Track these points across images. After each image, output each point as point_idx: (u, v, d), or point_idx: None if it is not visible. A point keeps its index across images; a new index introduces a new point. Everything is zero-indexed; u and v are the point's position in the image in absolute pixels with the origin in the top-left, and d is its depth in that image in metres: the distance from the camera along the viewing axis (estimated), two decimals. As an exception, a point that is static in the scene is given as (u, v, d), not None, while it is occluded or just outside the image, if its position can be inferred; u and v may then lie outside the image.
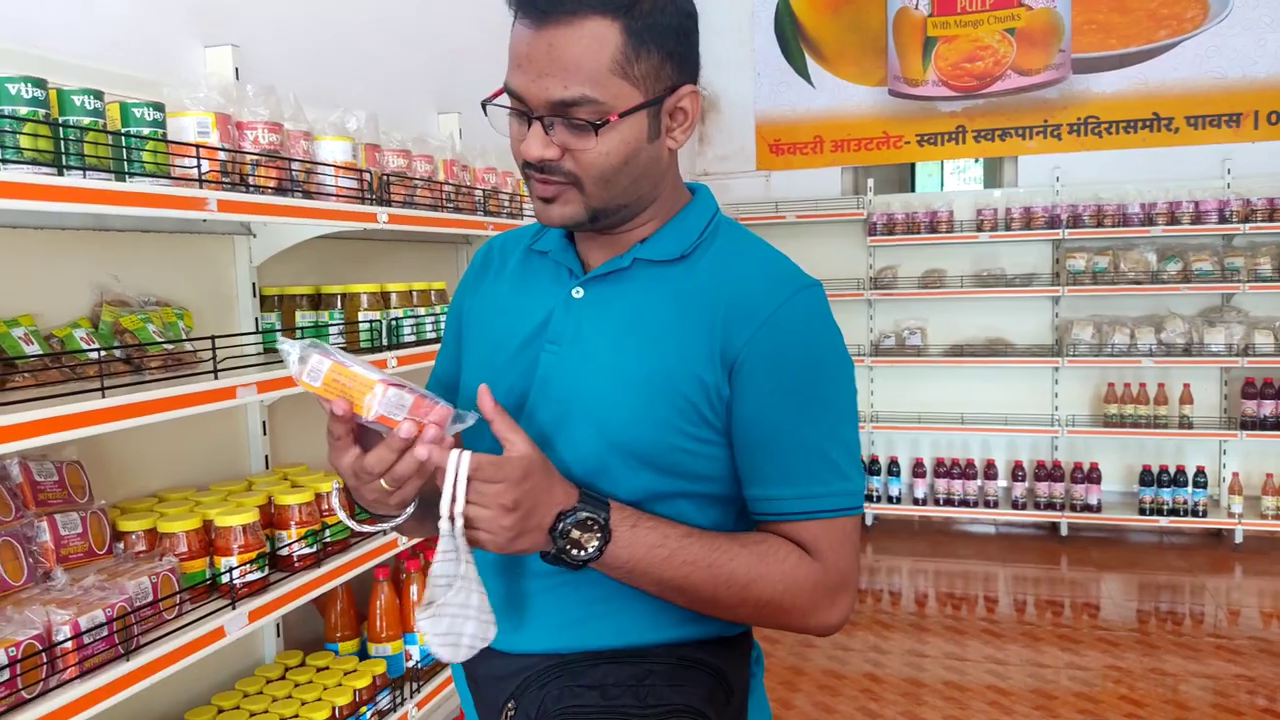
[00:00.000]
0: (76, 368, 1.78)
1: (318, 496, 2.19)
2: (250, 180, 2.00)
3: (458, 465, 0.99)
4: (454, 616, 1.03)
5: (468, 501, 1.00)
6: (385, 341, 2.36)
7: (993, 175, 6.72)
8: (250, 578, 1.94)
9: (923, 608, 4.92)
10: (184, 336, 2.10)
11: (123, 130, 1.70)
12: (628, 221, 1.18)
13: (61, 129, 1.53)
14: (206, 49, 2.40)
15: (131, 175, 1.70)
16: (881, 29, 6.35)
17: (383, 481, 1.03)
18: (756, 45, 6.63)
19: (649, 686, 1.11)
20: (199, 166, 1.84)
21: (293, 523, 2.11)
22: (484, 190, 2.94)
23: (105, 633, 1.56)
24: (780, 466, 1.12)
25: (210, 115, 1.92)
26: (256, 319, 2.45)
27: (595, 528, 1.04)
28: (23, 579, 1.65)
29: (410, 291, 2.52)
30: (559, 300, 1.20)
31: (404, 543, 2.43)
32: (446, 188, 2.71)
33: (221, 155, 1.91)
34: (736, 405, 1.12)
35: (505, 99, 1.11)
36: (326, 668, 2.37)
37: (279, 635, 2.51)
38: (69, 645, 1.49)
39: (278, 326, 2.43)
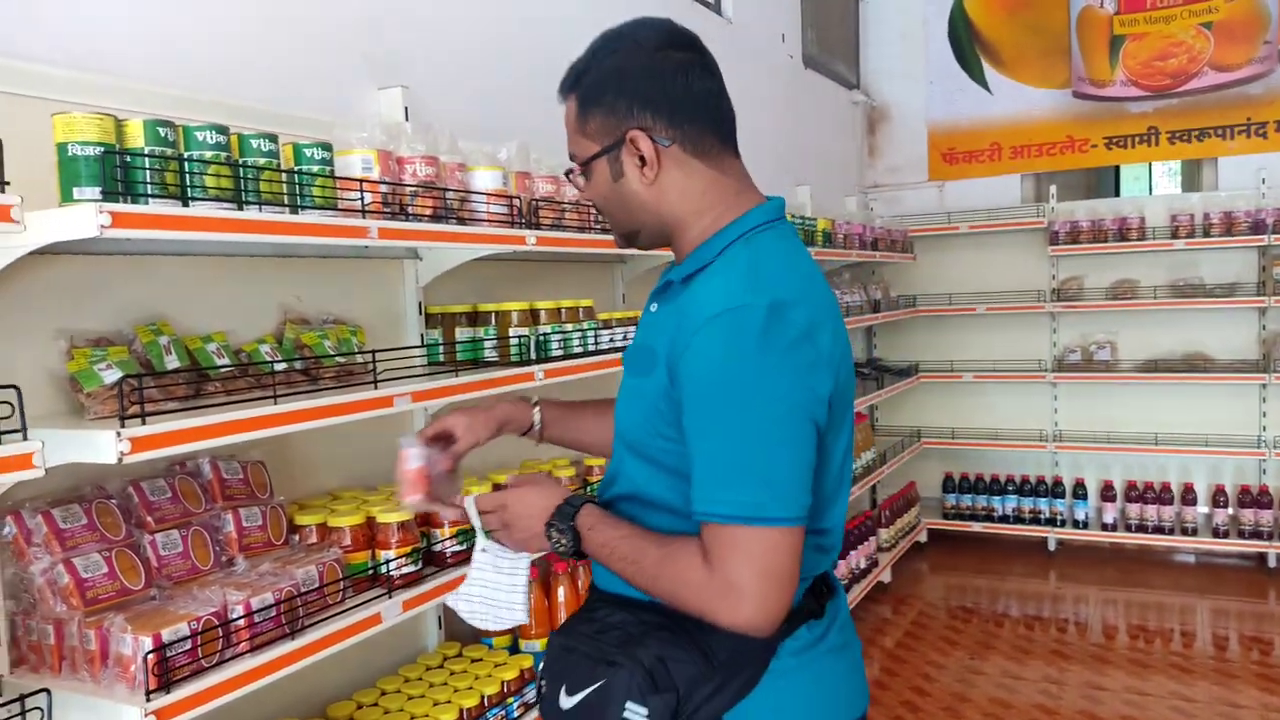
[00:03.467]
0: (260, 379, 2.01)
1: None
2: (409, 209, 2.20)
3: (473, 503, 1.54)
4: (474, 602, 1.54)
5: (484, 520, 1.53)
6: (533, 356, 2.50)
7: (1191, 179, 6.26)
8: (405, 570, 2.12)
9: (1112, 640, 4.65)
10: (355, 351, 2.33)
11: (295, 168, 1.92)
12: (659, 244, 1.47)
13: (241, 169, 1.76)
14: (379, 90, 2.65)
15: (303, 208, 1.92)
16: (1064, 29, 6.08)
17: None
18: (929, 53, 6.49)
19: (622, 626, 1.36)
20: (362, 199, 2.04)
21: (446, 522, 2.28)
22: (633, 211, 3.06)
23: (274, 613, 1.76)
24: (694, 469, 1.27)
25: (373, 153, 2.13)
26: (422, 335, 2.67)
27: (562, 532, 1.39)
28: (210, 564, 1.89)
29: (559, 309, 2.66)
30: (645, 311, 1.51)
31: (551, 546, 2.57)
32: (594, 211, 2.85)
33: (383, 188, 2.12)
34: (680, 407, 1.30)
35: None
36: (480, 659, 2.53)
37: (440, 628, 2.71)
38: (241, 623, 1.69)
39: (440, 341, 2.63)
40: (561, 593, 2.76)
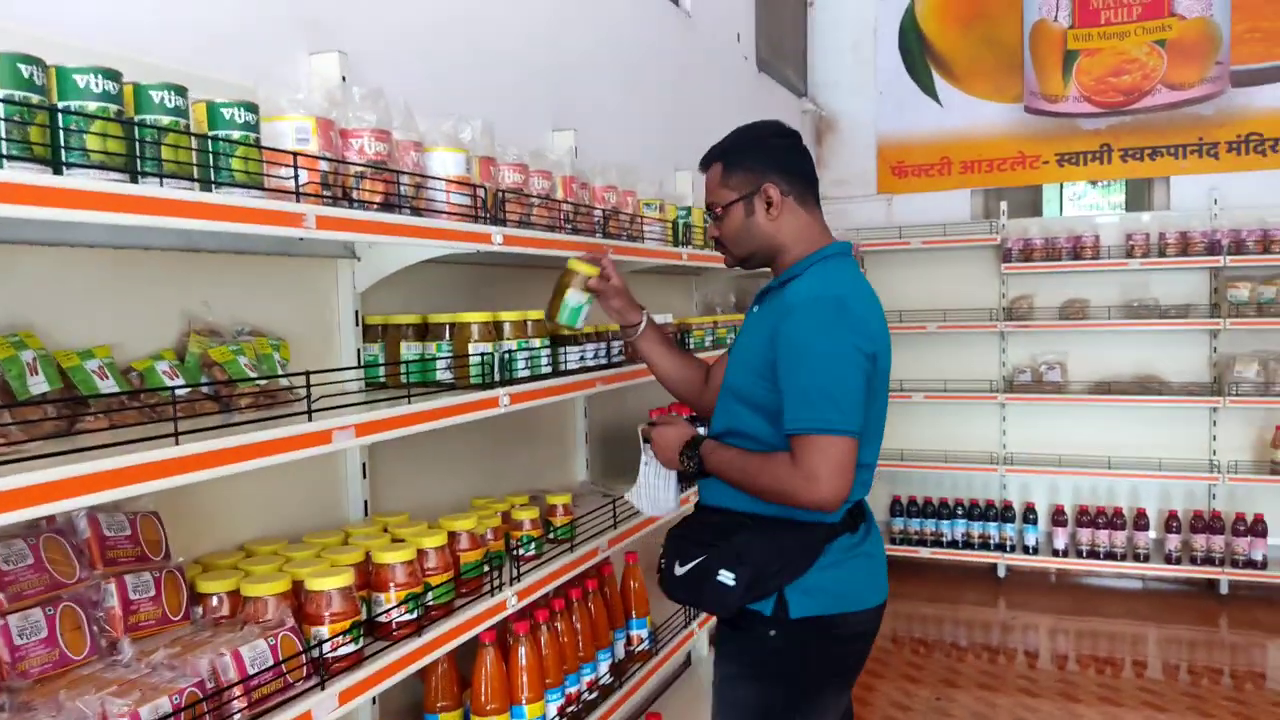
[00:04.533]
0: (157, 406, 1.55)
1: (420, 554, 1.93)
2: (354, 194, 1.77)
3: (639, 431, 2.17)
4: (642, 500, 2.18)
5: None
6: (497, 377, 2.09)
7: (1138, 198, 6.17)
8: (343, 651, 1.68)
9: (1066, 669, 4.45)
10: (279, 370, 1.88)
11: (210, 133, 1.48)
12: (764, 265, 2.08)
13: (137, 129, 1.31)
14: (311, 55, 2.20)
15: (219, 185, 1.48)
16: (1017, 43, 5.93)
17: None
18: (878, 63, 6.28)
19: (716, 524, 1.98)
20: (296, 177, 1.60)
21: (392, 584, 1.85)
22: (604, 210, 2.67)
23: (171, 727, 1.31)
24: (786, 401, 1.82)
25: (310, 120, 1.69)
26: (359, 350, 2.22)
27: (690, 458, 2.01)
28: (85, 652, 1.42)
29: (525, 321, 2.25)
30: (749, 312, 2.10)
31: (513, 604, 2.15)
32: (565, 207, 2.45)
33: (322, 165, 1.68)
34: (776, 364, 1.87)
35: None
36: (426, 746, 2.09)
37: (374, 703, 2.25)
38: (127, 745, 1.24)
39: (381, 359, 2.19)
40: (522, 654, 2.33)
